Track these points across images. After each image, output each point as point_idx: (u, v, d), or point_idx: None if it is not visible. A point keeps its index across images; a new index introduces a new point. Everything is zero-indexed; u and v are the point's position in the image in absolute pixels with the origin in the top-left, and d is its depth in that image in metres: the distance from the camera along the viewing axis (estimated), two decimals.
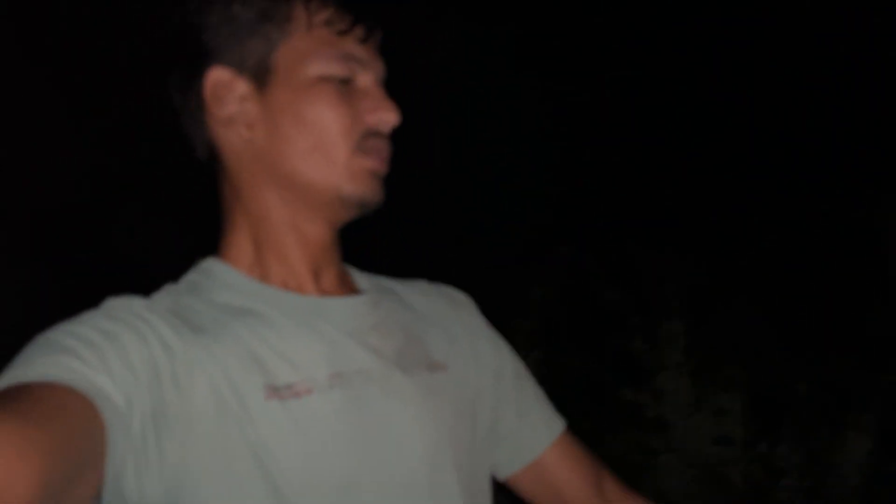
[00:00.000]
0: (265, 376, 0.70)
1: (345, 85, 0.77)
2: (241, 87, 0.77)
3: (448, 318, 0.90)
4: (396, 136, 0.82)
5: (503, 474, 0.94)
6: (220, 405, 0.67)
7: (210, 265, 0.80)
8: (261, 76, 0.76)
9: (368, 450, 0.72)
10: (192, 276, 0.80)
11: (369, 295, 0.84)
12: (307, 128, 0.76)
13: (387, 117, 0.79)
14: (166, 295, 0.76)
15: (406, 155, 0.87)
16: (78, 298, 0.75)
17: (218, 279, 0.78)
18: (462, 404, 0.83)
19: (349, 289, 0.84)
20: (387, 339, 0.80)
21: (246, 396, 0.68)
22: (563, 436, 0.96)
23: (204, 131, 0.80)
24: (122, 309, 0.69)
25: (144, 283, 0.78)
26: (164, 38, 0.81)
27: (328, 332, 0.76)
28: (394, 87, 0.83)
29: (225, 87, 0.77)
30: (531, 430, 0.94)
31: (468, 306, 0.95)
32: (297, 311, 0.76)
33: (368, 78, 0.79)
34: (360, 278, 0.87)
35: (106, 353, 0.63)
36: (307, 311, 0.77)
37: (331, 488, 0.69)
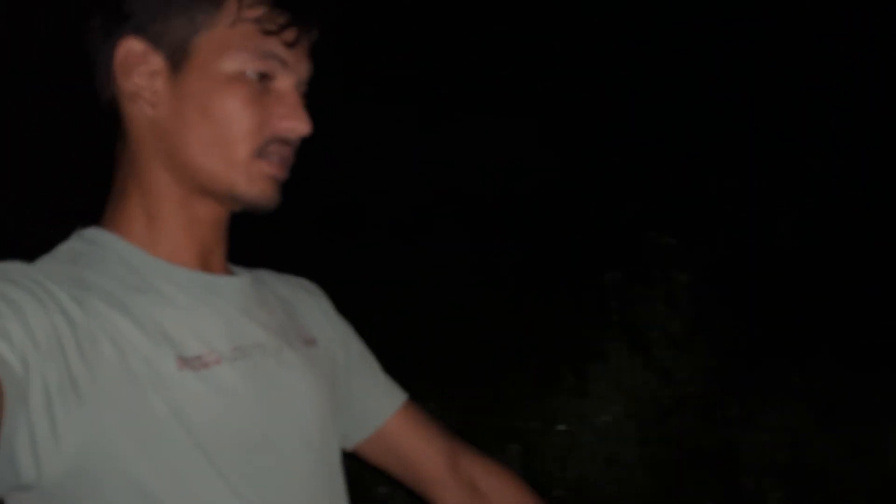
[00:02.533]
0: (174, 348, 0.71)
1: (262, 83, 0.76)
2: (155, 62, 0.75)
3: (307, 301, 0.96)
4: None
5: (350, 444, 0.99)
6: (131, 373, 0.67)
7: (97, 235, 0.78)
8: (176, 57, 0.75)
9: (274, 412, 0.77)
10: (76, 245, 0.77)
11: (246, 276, 0.86)
12: (212, 121, 0.75)
13: (297, 127, 0.78)
14: (54, 263, 0.74)
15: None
16: None
17: (109, 250, 0.76)
18: (331, 375, 0.91)
19: (228, 270, 0.86)
20: (270, 316, 0.85)
21: (158, 365, 0.69)
22: (408, 407, 1.02)
23: (109, 94, 0.78)
24: (19, 274, 0.67)
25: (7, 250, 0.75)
26: None
27: (223, 308, 0.79)
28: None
29: (137, 59, 0.75)
30: (375, 401, 1.00)
31: (320, 293, 1.01)
32: (192, 286, 0.77)
33: (288, 81, 0.78)
34: (229, 264, 0.89)
35: (6, 318, 0.61)
36: (202, 287, 0.78)
37: (248, 444, 0.73)
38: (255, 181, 0.77)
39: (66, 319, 0.65)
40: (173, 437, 0.68)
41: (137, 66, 0.75)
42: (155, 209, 0.78)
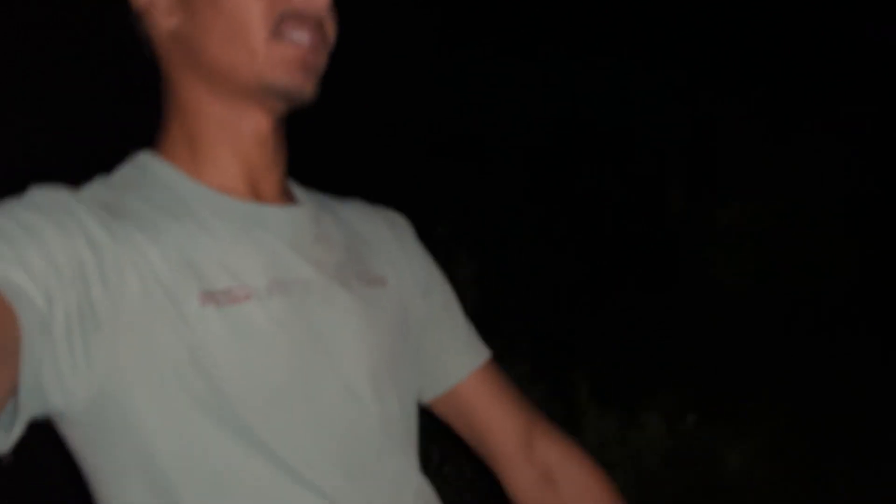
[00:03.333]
0: (200, 282, 0.67)
1: None
2: None
3: (385, 237, 0.88)
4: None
5: (425, 398, 0.92)
6: (153, 305, 0.64)
7: (145, 160, 0.76)
8: None
9: (307, 358, 0.71)
10: (125, 170, 0.76)
11: (309, 206, 0.81)
12: (223, 11, 0.70)
13: None
14: (97, 187, 0.72)
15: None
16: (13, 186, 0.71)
17: (153, 175, 0.74)
18: (399, 319, 0.83)
19: (289, 198, 0.81)
20: (327, 253, 0.78)
21: (179, 300, 0.66)
22: (488, 369, 0.93)
23: (137, 21, 0.76)
24: (46, 199, 0.65)
25: (80, 174, 0.74)
26: None
27: (268, 240, 0.73)
28: None
29: None
30: (451, 356, 0.91)
31: (406, 228, 0.93)
32: (235, 216, 0.73)
33: None
34: (298, 191, 0.84)
35: (24, 246, 0.59)
36: (246, 217, 0.74)
37: (270, 392, 0.68)
38: (279, 66, 0.70)
39: (91, 246, 0.63)
40: (188, 376, 0.65)
41: None
42: (195, 130, 0.74)
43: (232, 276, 0.69)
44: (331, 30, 0.75)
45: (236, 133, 0.75)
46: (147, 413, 0.64)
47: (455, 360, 0.91)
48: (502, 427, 0.90)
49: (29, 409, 0.59)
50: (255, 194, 0.76)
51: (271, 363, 0.68)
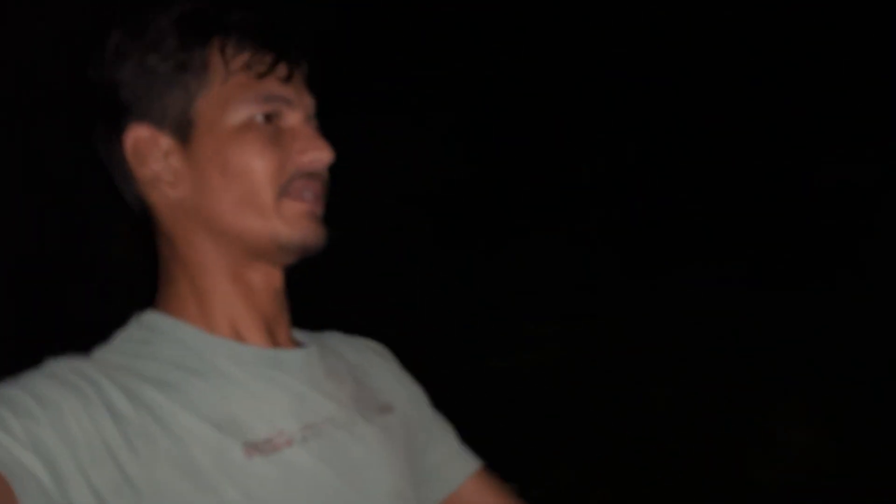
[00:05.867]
0: (241, 434, 0.68)
1: (271, 126, 0.74)
2: (164, 142, 0.74)
3: (378, 364, 0.91)
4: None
5: None
6: (193, 466, 0.64)
7: (153, 319, 0.75)
8: (182, 130, 0.74)
9: (350, 492, 0.73)
10: (132, 331, 0.75)
11: (314, 345, 0.82)
12: (234, 178, 0.73)
13: (319, 156, 0.75)
14: (113, 353, 0.72)
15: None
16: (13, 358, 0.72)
17: (165, 333, 0.74)
18: (410, 442, 0.85)
19: (294, 341, 0.82)
20: (342, 387, 0.80)
21: (225, 455, 0.66)
22: (482, 475, 0.94)
23: (132, 188, 0.77)
24: (65, 369, 0.65)
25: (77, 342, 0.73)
26: (84, 96, 0.78)
27: (290, 384, 0.75)
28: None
29: (147, 145, 0.74)
30: (448, 465, 0.93)
31: (388, 355, 0.96)
32: (254, 363, 0.74)
33: (296, 117, 0.76)
34: (296, 332, 0.85)
35: (39, 424, 0.59)
36: (267, 363, 0.75)
37: None
38: (292, 222, 0.73)
39: (112, 416, 0.63)
40: None
41: (149, 151, 0.74)
42: (205, 287, 0.75)
43: (269, 425, 0.70)
44: (327, 177, 0.78)
45: (249, 288, 0.76)
46: None
47: (451, 468, 0.92)
48: None
49: None
50: (272, 340, 0.77)
51: (320, 501, 0.70)
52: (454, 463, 0.93)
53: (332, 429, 0.74)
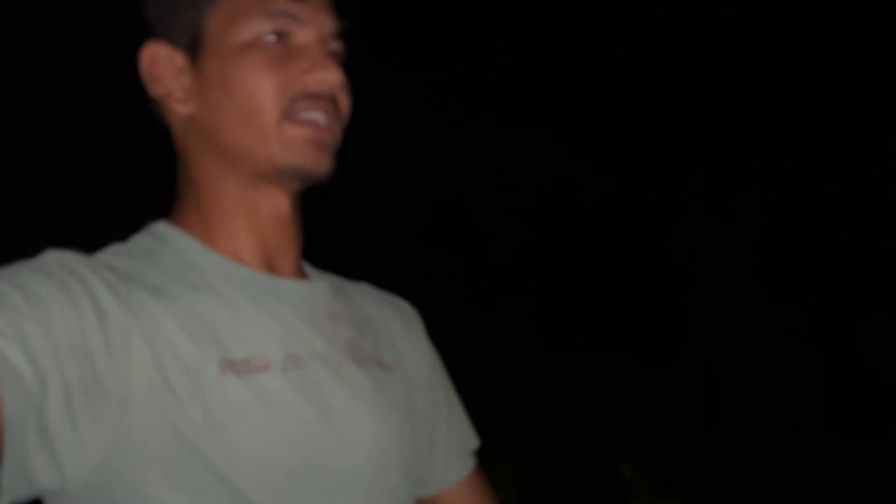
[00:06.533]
0: (219, 351, 0.66)
1: (280, 45, 0.72)
2: (178, 59, 0.74)
3: (393, 324, 0.87)
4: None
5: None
6: (163, 378, 0.63)
7: (161, 229, 0.76)
8: (193, 47, 0.73)
9: (322, 433, 0.69)
10: (141, 238, 0.76)
11: (322, 283, 0.81)
12: (235, 95, 0.71)
13: (325, 76, 0.72)
14: (113, 254, 0.71)
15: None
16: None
17: (170, 244, 0.74)
18: (407, 406, 0.81)
19: (302, 276, 0.81)
20: (339, 329, 0.78)
21: (196, 370, 0.64)
22: (477, 478, 0.91)
23: (154, 105, 0.77)
24: (57, 264, 0.64)
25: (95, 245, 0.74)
26: (113, 17, 0.80)
27: (283, 313, 0.73)
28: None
29: (162, 63, 0.74)
30: (447, 459, 0.89)
31: (414, 318, 0.92)
32: (251, 287, 0.73)
33: (307, 35, 0.73)
34: (311, 270, 0.84)
35: (24, 317, 0.57)
36: (262, 289, 0.73)
37: (283, 471, 0.66)
38: (290, 147, 0.71)
39: (97, 314, 0.61)
40: (201, 452, 0.62)
41: (165, 68, 0.74)
42: (210, 206, 0.75)
43: (250, 347, 0.68)
44: (345, 105, 0.76)
45: (254, 211, 0.75)
46: (157, 485, 0.62)
47: (447, 463, 0.88)
48: None
49: (12, 492, 0.56)
50: (271, 270, 0.76)
51: (288, 434, 0.67)
52: (451, 460, 0.89)
53: (317, 365, 0.72)
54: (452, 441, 0.89)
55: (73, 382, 0.58)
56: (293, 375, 0.69)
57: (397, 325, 0.87)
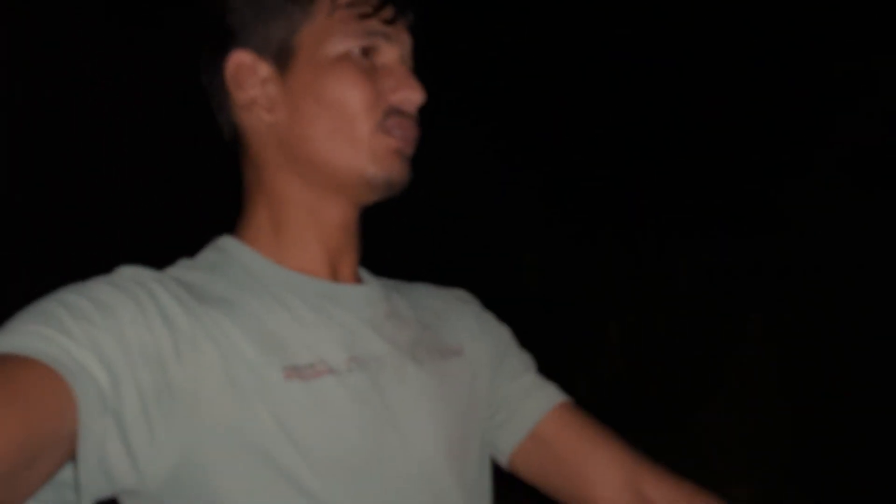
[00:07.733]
0: (284, 356, 0.69)
1: (367, 59, 0.75)
2: (264, 69, 0.76)
3: (458, 308, 0.91)
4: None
5: (504, 457, 0.88)
6: (232, 381, 0.65)
7: (226, 243, 0.79)
8: (283, 58, 0.75)
9: (385, 435, 0.71)
10: (207, 253, 0.79)
11: (379, 285, 0.83)
12: (328, 108, 0.74)
13: (411, 96, 0.76)
14: (180, 269, 0.75)
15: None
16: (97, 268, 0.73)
17: (234, 257, 0.77)
18: (470, 389, 0.84)
19: (359, 280, 0.83)
20: (401, 329, 0.80)
21: (264, 374, 0.67)
22: (571, 408, 0.89)
23: (228, 113, 0.79)
24: (127, 278, 0.67)
25: (165, 260, 0.77)
26: (191, 21, 0.80)
27: (344, 317, 0.75)
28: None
29: (247, 71, 0.76)
30: (528, 401, 0.89)
31: (475, 302, 0.96)
32: (312, 294, 0.75)
33: (393, 53, 0.77)
34: (366, 274, 0.86)
35: (97, 327, 0.60)
36: (323, 295, 0.76)
37: (349, 470, 0.68)
38: (381, 158, 0.75)
39: (167, 325, 0.64)
40: (270, 455, 0.65)
41: (248, 76, 0.76)
42: (282, 217, 0.77)
43: (313, 352, 0.71)
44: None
45: (323, 220, 0.78)
46: (228, 487, 0.64)
47: (531, 402, 0.88)
48: (602, 475, 0.84)
49: (92, 490, 0.58)
50: (333, 275, 0.79)
51: (350, 439, 0.69)
52: (533, 398, 0.88)
53: (378, 367, 0.74)
54: (532, 385, 0.89)
55: (147, 388, 0.61)
56: (356, 378, 0.71)
57: (463, 309, 0.91)
